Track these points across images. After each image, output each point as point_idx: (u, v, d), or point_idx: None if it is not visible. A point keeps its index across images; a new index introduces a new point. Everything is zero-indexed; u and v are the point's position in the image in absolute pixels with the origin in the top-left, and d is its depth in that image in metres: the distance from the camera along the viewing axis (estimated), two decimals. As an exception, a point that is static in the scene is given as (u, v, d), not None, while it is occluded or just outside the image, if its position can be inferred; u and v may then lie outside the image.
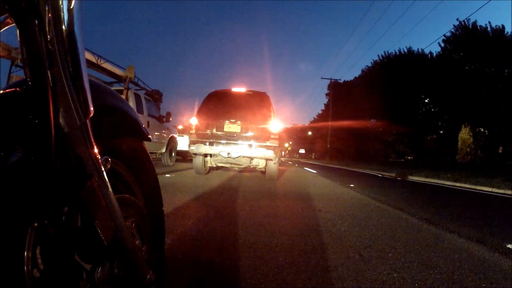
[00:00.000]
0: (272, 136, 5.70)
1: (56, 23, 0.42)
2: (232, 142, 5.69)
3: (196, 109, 6.25)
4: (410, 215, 2.98)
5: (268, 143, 5.61)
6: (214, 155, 5.86)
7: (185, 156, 13.05)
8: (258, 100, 6.21)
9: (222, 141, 5.69)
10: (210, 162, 6.24)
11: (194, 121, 5.98)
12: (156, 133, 7.87)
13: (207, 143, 5.68)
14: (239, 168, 6.47)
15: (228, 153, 5.59)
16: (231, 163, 6.10)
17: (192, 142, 5.79)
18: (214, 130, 5.83)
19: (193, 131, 5.92)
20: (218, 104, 6.17)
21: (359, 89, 37.98)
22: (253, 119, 5.83)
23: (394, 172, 11.12)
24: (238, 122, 5.81)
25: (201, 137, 5.80)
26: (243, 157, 5.74)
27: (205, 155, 6.04)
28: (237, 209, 2.76)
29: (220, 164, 6.29)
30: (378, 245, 1.88)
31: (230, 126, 5.81)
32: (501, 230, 2.54)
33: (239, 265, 1.41)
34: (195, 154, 5.85)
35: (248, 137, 5.74)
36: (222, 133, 5.79)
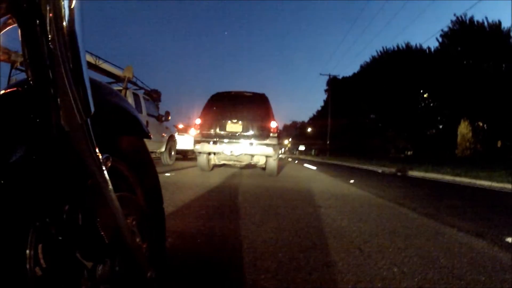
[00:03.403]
0: (271, 134, 6.05)
1: (58, 22, 0.42)
2: (234, 140, 6.08)
3: (195, 108, 6.56)
4: (410, 210, 2.99)
5: (267, 141, 5.97)
6: (217, 153, 6.25)
7: (185, 155, 13.03)
8: (257, 100, 6.64)
9: (225, 140, 6.08)
10: (214, 159, 6.62)
11: (198, 121, 6.38)
12: (155, 133, 7.87)
13: (211, 142, 6.07)
14: (240, 165, 6.82)
15: (231, 151, 5.97)
16: (234, 161, 6.45)
17: (196, 142, 6.19)
18: (217, 130, 6.23)
19: (198, 131, 6.31)
20: (221, 105, 6.59)
21: (358, 85, 37.93)
22: (253, 118, 6.22)
23: (394, 168, 11.12)
24: (240, 121, 6.21)
25: (205, 137, 6.20)
26: (245, 154, 6.09)
27: (209, 153, 6.42)
28: (237, 207, 2.77)
29: (223, 162, 6.65)
30: (378, 240, 1.89)
31: (232, 126, 6.21)
32: (500, 224, 2.55)
33: (240, 262, 1.42)
34: (200, 152, 6.22)
35: (249, 136, 6.11)
36: (224, 132, 6.19)
